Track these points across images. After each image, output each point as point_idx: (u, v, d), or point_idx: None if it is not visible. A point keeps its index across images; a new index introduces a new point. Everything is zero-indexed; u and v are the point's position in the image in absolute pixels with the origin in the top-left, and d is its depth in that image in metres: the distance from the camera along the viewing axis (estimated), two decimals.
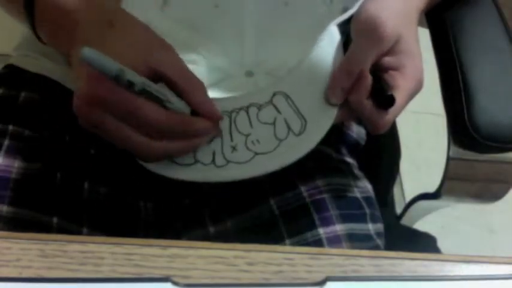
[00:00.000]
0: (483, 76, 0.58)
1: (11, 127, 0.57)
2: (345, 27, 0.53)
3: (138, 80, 0.43)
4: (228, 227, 0.55)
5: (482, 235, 1.36)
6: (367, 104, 0.49)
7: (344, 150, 0.63)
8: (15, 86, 0.60)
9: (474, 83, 0.58)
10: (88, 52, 0.41)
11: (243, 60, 0.58)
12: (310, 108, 0.50)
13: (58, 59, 0.60)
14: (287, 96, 0.51)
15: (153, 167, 0.49)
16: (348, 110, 0.50)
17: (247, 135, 0.50)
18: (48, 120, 0.58)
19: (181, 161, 0.49)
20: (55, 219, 0.53)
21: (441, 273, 0.39)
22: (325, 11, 0.57)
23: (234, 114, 0.51)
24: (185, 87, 0.47)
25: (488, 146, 0.56)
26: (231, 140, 0.50)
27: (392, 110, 0.49)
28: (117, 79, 0.42)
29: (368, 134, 0.68)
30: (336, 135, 0.62)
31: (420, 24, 0.65)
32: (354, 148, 0.65)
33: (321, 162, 0.58)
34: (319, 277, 0.38)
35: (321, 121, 0.50)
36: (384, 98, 0.49)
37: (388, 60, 0.51)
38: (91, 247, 0.39)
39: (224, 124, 0.50)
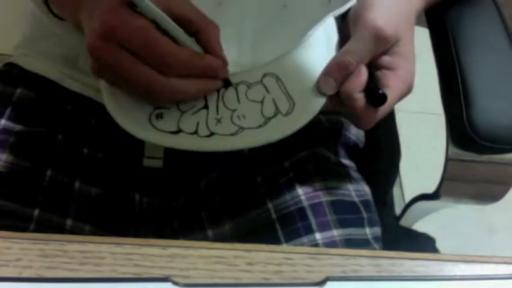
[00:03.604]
0: (482, 76, 0.58)
1: (3, 121, 0.57)
2: (339, 24, 0.53)
3: (152, 10, 0.44)
4: (226, 230, 0.55)
5: (482, 235, 1.36)
6: (357, 99, 0.48)
7: (343, 153, 0.63)
8: (12, 83, 0.60)
9: (473, 83, 0.57)
10: None
11: (240, 60, 0.58)
12: (300, 93, 0.50)
13: (56, 58, 0.61)
14: (278, 78, 0.51)
15: (136, 131, 0.49)
16: (338, 100, 0.50)
17: (233, 110, 0.50)
18: (41, 117, 0.58)
19: (164, 127, 0.49)
20: (36, 212, 0.54)
21: (441, 273, 0.39)
22: (324, 13, 0.57)
23: (222, 90, 0.51)
24: (202, 25, 0.47)
25: (487, 146, 0.56)
26: (217, 113, 0.50)
27: (381, 109, 0.49)
28: (131, 4, 0.44)
29: (368, 135, 0.68)
30: (334, 137, 0.62)
31: (420, 24, 0.65)
32: (353, 150, 0.65)
33: (319, 164, 0.58)
34: (319, 277, 0.38)
35: (310, 105, 0.50)
36: (376, 95, 0.48)
37: (384, 59, 0.51)
38: (91, 247, 0.39)
39: (211, 98, 0.50)
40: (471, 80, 0.58)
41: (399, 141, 0.78)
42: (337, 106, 0.51)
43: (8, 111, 0.58)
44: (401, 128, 0.79)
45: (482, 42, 0.61)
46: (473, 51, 0.60)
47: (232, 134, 0.49)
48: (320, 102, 0.50)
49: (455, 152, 0.59)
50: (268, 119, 0.49)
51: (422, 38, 0.65)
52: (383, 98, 0.48)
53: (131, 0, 0.44)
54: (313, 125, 0.61)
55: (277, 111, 0.50)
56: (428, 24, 0.65)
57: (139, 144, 0.59)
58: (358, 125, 0.51)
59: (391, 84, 0.49)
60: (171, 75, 0.46)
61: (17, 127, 0.57)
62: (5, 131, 0.57)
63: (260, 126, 0.49)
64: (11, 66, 0.63)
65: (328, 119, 0.63)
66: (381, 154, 0.76)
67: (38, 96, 0.60)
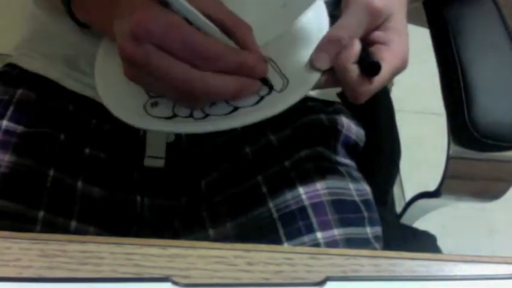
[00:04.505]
0: (483, 75, 0.59)
1: (5, 122, 0.57)
2: (331, 10, 0.53)
3: (185, 7, 0.43)
4: (228, 230, 0.55)
5: (482, 235, 1.36)
6: (351, 69, 0.48)
7: (343, 152, 0.63)
8: (12, 83, 0.61)
9: (474, 81, 0.58)
10: None
11: None
12: (294, 71, 0.50)
13: (56, 58, 0.61)
14: (270, 60, 0.51)
15: (132, 120, 0.48)
16: (332, 77, 0.50)
17: None
18: (43, 118, 0.58)
19: (159, 114, 0.49)
20: (41, 213, 0.53)
21: (441, 273, 0.39)
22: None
23: None
24: (235, 26, 0.47)
25: (488, 144, 0.56)
26: None
27: (375, 80, 0.48)
28: (163, 3, 0.43)
29: (368, 135, 0.68)
30: (335, 137, 0.62)
31: (420, 24, 0.65)
32: (353, 149, 0.65)
33: (319, 164, 0.58)
34: (319, 277, 0.38)
35: (304, 81, 0.50)
36: (370, 64, 0.48)
37: (377, 34, 0.50)
38: (91, 247, 0.39)
39: None
40: (472, 79, 0.58)
41: (399, 141, 0.78)
42: (332, 83, 0.50)
43: (9, 112, 0.58)
44: (402, 128, 0.79)
45: (483, 41, 0.61)
46: (474, 50, 0.60)
47: (227, 114, 0.49)
48: (314, 76, 0.50)
49: (457, 149, 0.59)
50: (262, 97, 0.49)
51: (422, 38, 0.65)
52: (377, 67, 0.48)
53: None
54: (313, 125, 0.61)
55: (271, 89, 0.50)
56: (428, 24, 0.65)
57: (140, 144, 0.59)
58: (353, 98, 0.50)
59: (385, 57, 0.49)
60: (206, 69, 0.44)
61: (19, 128, 0.57)
62: (7, 132, 0.57)
63: (255, 104, 0.49)
64: (11, 67, 0.63)
65: (328, 119, 0.63)
66: (381, 154, 0.76)
67: (39, 96, 0.60)
